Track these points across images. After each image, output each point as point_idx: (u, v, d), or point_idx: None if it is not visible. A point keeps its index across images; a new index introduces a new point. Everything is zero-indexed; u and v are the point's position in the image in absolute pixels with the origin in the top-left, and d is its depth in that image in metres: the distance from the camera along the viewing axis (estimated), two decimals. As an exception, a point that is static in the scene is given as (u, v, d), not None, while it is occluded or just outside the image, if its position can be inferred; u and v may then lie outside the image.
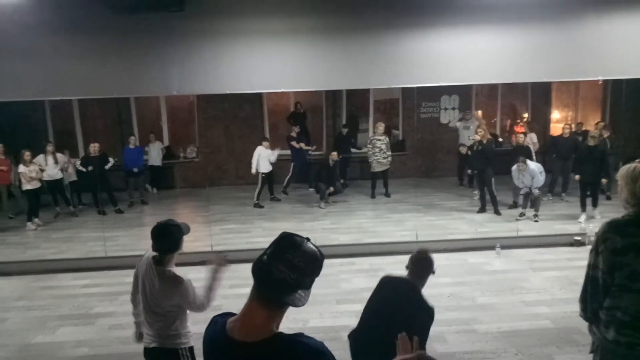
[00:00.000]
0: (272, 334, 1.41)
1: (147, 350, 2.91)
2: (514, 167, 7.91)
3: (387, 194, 9.69)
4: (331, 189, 9.17)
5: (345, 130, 10.77)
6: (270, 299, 1.40)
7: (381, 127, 9.74)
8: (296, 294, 1.39)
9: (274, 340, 1.40)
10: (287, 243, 1.43)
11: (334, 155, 9.36)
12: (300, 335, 1.43)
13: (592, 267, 2.46)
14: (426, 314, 2.87)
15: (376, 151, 9.58)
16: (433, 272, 3.04)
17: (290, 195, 10.18)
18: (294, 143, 10.12)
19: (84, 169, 9.05)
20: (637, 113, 10.06)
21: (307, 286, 1.43)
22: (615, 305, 2.37)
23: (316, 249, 1.46)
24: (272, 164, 9.39)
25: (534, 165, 7.76)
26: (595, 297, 2.45)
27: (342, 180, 10.73)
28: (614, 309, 2.38)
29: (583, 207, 7.76)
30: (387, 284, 3.05)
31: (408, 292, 2.94)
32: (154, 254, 2.86)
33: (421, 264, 3.01)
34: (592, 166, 7.55)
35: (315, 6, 6.40)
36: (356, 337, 3.02)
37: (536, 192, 7.83)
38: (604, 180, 7.56)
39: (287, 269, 1.37)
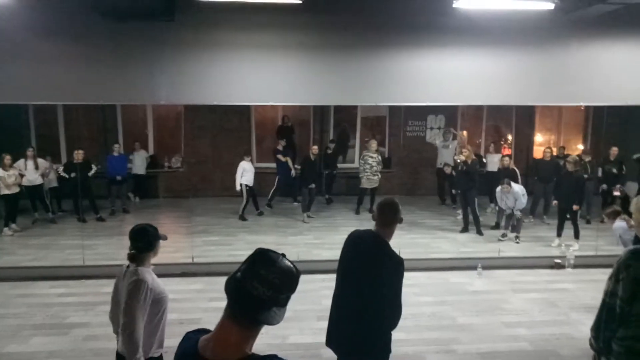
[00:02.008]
0: (245, 355, 1.35)
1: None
2: (498, 189, 8.00)
3: (371, 211, 9.70)
4: (313, 185, 9.25)
5: (332, 146, 10.82)
6: (244, 317, 1.35)
7: (374, 144, 9.80)
8: (271, 312, 1.35)
9: None
10: (262, 259, 1.39)
11: (314, 149, 9.49)
12: (274, 358, 1.37)
13: (609, 294, 2.37)
14: (395, 264, 2.74)
15: (367, 167, 9.62)
16: (400, 221, 2.88)
17: (274, 208, 10.14)
18: (280, 156, 10.12)
19: (67, 176, 8.92)
20: (616, 139, 10.28)
21: (283, 304, 1.39)
22: (632, 335, 2.30)
23: (292, 266, 1.42)
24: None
25: (517, 188, 7.86)
26: (609, 325, 2.37)
27: (326, 196, 10.78)
28: (629, 338, 2.31)
29: (559, 231, 7.80)
30: (353, 239, 2.94)
31: (374, 243, 2.81)
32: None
33: (386, 211, 2.87)
34: (569, 191, 7.58)
35: (306, 22, 6.45)
36: (333, 302, 2.96)
37: (518, 213, 7.91)
38: (575, 207, 7.54)
39: (262, 286, 1.33)
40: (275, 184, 10.17)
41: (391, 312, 2.75)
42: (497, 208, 8.92)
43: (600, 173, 9.24)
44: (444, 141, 10.45)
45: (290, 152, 10.49)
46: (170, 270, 6.22)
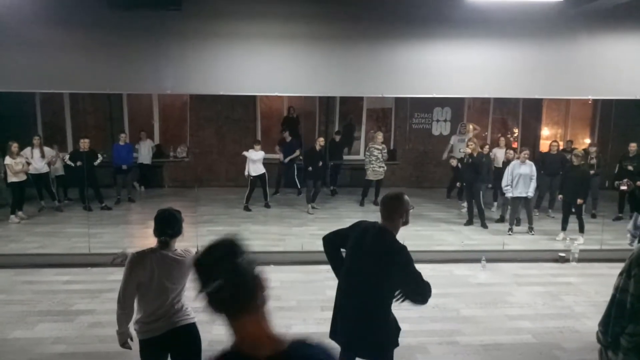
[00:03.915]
0: (279, 343, 1.33)
1: (168, 333, 2.90)
2: (513, 162, 7.95)
3: (376, 202, 9.70)
4: (320, 164, 9.34)
5: (337, 137, 10.81)
6: (247, 299, 1.31)
7: (380, 136, 9.80)
8: (242, 266, 1.31)
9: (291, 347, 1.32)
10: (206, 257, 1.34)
11: (321, 140, 9.45)
12: (300, 343, 1.37)
13: (620, 290, 2.37)
14: (399, 255, 2.71)
15: (372, 159, 9.62)
16: (406, 215, 2.82)
17: (279, 199, 10.17)
18: (285, 136, 10.24)
19: (73, 164, 8.96)
20: (624, 133, 10.20)
21: (241, 251, 1.33)
22: None
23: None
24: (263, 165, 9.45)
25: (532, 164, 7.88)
26: (619, 321, 2.36)
27: (331, 187, 10.78)
28: (639, 335, 2.31)
29: (564, 225, 7.78)
30: (359, 231, 2.92)
31: (378, 236, 2.78)
32: (153, 247, 2.94)
33: (388, 204, 2.84)
34: (574, 185, 7.55)
35: (312, 12, 6.42)
36: (336, 294, 2.97)
37: (531, 194, 7.87)
38: (579, 200, 7.52)
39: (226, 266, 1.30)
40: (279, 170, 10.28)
41: (421, 292, 2.74)
42: (501, 203, 8.91)
43: (617, 169, 8.99)
44: (459, 135, 10.40)
45: (296, 144, 10.50)
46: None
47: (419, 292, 2.75)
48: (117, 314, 2.92)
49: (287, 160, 10.31)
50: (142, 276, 2.87)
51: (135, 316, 2.96)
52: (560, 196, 7.87)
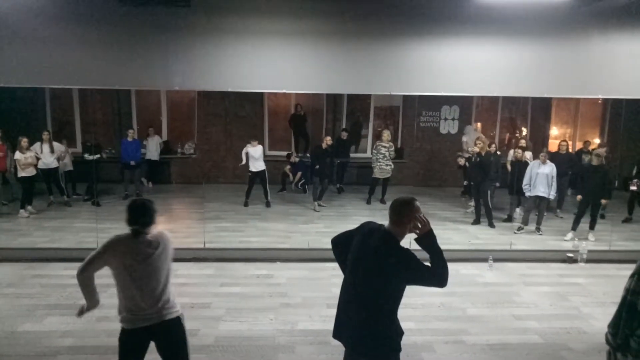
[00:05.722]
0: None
1: (155, 326, 2.91)
2: (533, 162, 7.92)
3: (382, 201, 9.70)
4: (327, 160, 9.42)
5: (345, 135, 10.80)
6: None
7: (387, 134, 9.79)
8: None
9: None
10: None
11: (328, 139, 9.44)
12: None
13: (631, 292, 2.37)
14: (402, 258, 2.67)
15: (380, 157, 9.61)
16: (410, 220, 2.74)
17: (286, 196, 10.18)
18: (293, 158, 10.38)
19: (91, 157, 9.09)
20: (634, 133, 10.11)
21: None
22: None
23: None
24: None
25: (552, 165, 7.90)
26: (629, 323, 2.36)
27: (338, 185, 10.78)
28: None
29: (575, 225, 7.75)
30: (364, 233, 2.88)
31: (382, 241, 2.74)
32: (124, 235, 2.96)
33: (395, 209, 2.77)
34: (594, 186, 7.49)
35: (321, 9, 6.41)
36: (340, 293, 2.96)
37: (553, 196, 7.85)
38: (603, 201, 7.52)
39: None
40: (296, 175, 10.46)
41: (434, 275, 2.73)
42: (509, 203, 8.86)
43: (635, 171, 8.84)
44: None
45: (303, 142, 10.52)
46: (181, 255, 6.27)
47: (433, 278, 2.75)
48: (79, 283, 3.05)
49: (293, 186, 10.59)
50: (111, 261, 2.94)
51: (122, 306, 2.98)
52: (579, 197, 7.81)
